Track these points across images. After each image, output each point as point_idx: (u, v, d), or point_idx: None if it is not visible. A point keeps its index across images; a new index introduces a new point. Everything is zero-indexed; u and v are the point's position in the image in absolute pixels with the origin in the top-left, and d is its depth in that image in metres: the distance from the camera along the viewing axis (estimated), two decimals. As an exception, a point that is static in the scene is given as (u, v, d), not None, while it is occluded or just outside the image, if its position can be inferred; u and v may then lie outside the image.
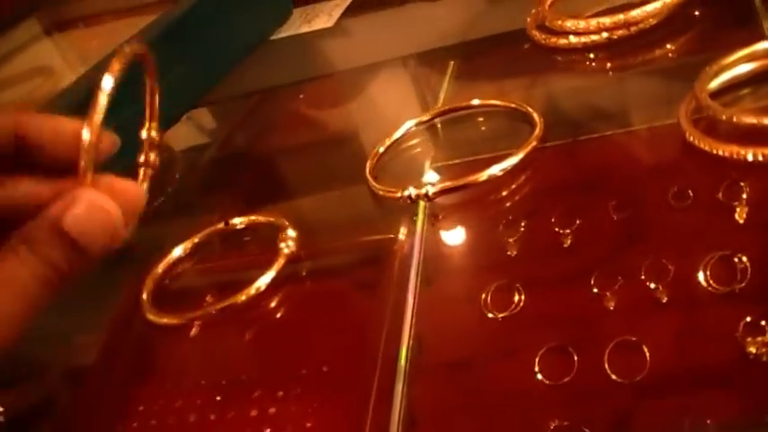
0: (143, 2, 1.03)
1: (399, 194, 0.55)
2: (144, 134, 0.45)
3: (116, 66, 0.36)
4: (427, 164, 0.61)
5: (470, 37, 0.79)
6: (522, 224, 0.51)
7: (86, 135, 0.33)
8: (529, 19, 0.73)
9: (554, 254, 0.48)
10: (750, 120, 0.47)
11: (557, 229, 0.49)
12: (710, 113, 0.49)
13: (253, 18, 0.94)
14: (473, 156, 0.60)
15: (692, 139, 0.49)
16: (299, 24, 0.97)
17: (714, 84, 0.52)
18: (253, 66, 0.92)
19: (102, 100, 0.34)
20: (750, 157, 0.46)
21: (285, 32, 0.97)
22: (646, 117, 0.57)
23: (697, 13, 0.67)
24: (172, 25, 0.83)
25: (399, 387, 0.43)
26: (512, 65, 0.73)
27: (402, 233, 0.54)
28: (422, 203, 0.55)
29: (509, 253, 0.49)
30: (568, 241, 0.48)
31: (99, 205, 0.31)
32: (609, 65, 0.66)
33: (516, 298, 0.45)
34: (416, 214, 0.55)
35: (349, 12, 0.97)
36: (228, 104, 0.89)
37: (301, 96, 0.84)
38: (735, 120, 0.47)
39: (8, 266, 0.30)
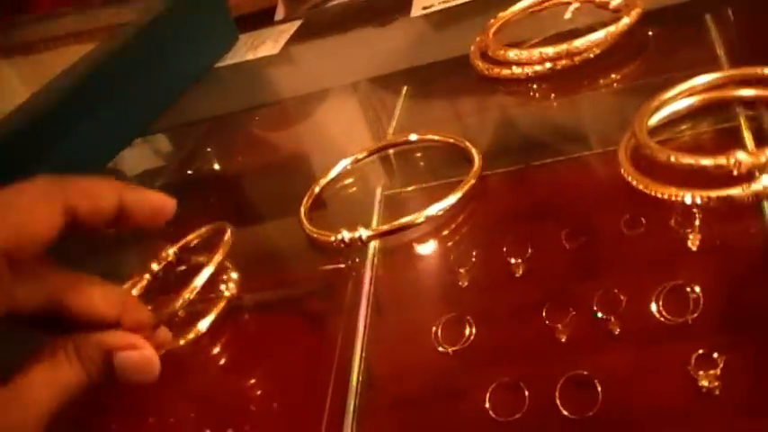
0: (108, 23, 1.01)
1: (333, 238, 0.53)
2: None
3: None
4: (374, 196, 0.60)
5: (419, 62, 0.78)
6: (474, 254, 0.50)
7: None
8: (472, 47, 0.72)
9: (506, 285, 0.47)
10: (688, 160, 0.46)
11: (509, 259, 0.48)
12: (649, 153, 0.48)
13: (198, 45, 0.93)
14: (426, 183, 0.60)
15: (629, 179, 0.48)
16: (245, 51, 0.96)
17: (654, 120, 0.52)
18: (201, 93, 0.91)
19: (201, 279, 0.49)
20: (688, 200, 0.45)
21: (231, 59, 0.96)
22: (592, 144, 0.57)
23: (650, 33, 0.67)
24: (115, 53, 0.81)
25: (348, 425, 0.42)
26: (458, 93, 0.73)
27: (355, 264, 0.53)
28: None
29: (460, 284, 0.48)
30: (520, 271, 0.47)
31: (149, 361, 0.37)
32: (552, 95, 0.65)
33: (467, 331, 0.44)
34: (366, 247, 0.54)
35: (295, 38, 0.96)
36: (178, 131, 0.88)
37: (257, 118, 0.83)
38: (673, 160, 0.47)
39: (59, 366, 0.35)
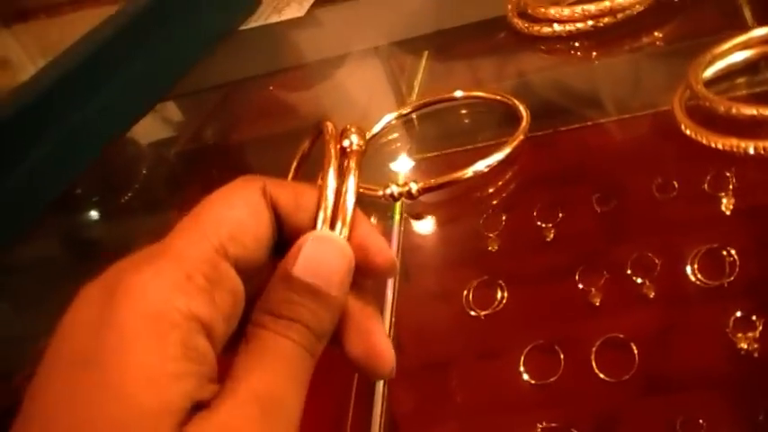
0: None
1: (381, 192, 0.52)
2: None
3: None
4: (407, 158, 0.60)
5: (446, 25, 0.77)
6: (504, 218, 0.49)
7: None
8: (509, 6, 0.71)
9: (537, 249, 0.46)
10: (750, 111, 0.45)
11: (539, 223, 0.47)
12: (707, 104, 0.47)
13: (220, 8, 0.92)
14: (453, 148, 0.59)
15: (688, 131, 0.47)
16: (269, 14, 0.95)
17: (708, 72, 0.51)
18: (222, 57, 0.90)
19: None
20: (752, 151, 0.44)
21: (254, 23, 0.95)
22: (632, 106, 0.56)
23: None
24: (137, 16, 0.80)
25: (380, 388, 0.42)
26: (490, 53, 0.72)
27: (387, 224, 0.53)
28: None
29: (490, 248, 0.48)
30: (551, 235, 0.47)
31: (322, 238, 0.27)
32: (594, 53, 0.64)
33: (499, 295, 0.44)
34: (393, 208, 0.54)
35: (320, 1, 0.95)
36: (196, 97, 0.87)
37: (271, 88, 0.83)
38: (734, 111, 0.46)
39: (266, 340, 0.25)
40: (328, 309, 0.26)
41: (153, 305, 0.23)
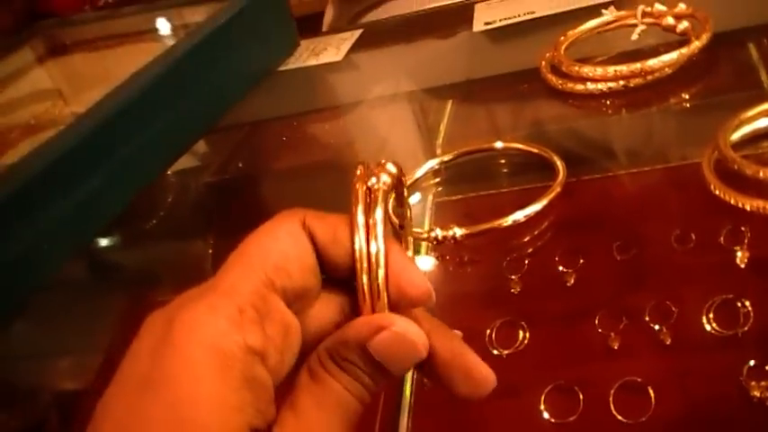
0: (139, 29, 1.03)
1: (426, 235, 0.55)
2: None
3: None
4: (431, 200, 0.62)
5: (476, 75, 0.79)
6: (526, 262, 0.51)
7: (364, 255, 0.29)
8: (543, 62, 0.73)
9: (558, 292, 0.48)
10: None
11: (560, 268, 0.49)
12: (735, 167, 0.49)
13: (260, 49, 0.94)
14: (471, 193, 0.62)
15: (717, 192, 0.49)
16: (306, 57, 0.98)
17: (735, 136, 0.53)
18: (258, 96, 0.92)
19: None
20: None
21: (292, 65, 0.98)
22: (653, 160, 0.58)
23: (704, 62, 0.68)
24: (179, 58, 0.82)
25: (404, 422, 0.43)
26: (518, 104, 0.74)
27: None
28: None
29: (513, 290, 0.49)
30: (572, 280, 0.48)
31: (405, 334, 0.29)
32: (624, 111, 0.66)
33: (521, 335, 0.46)
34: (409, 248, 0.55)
35: (357, 46, 0.97)
36: (227, 132, 0.89)
37: (295, 124, 0.85)
38: (761, 175, 0.48)
39: (328, 386, 0.28)
40: (387, 380, 0.29)
41: (210, 338, 0.25)
